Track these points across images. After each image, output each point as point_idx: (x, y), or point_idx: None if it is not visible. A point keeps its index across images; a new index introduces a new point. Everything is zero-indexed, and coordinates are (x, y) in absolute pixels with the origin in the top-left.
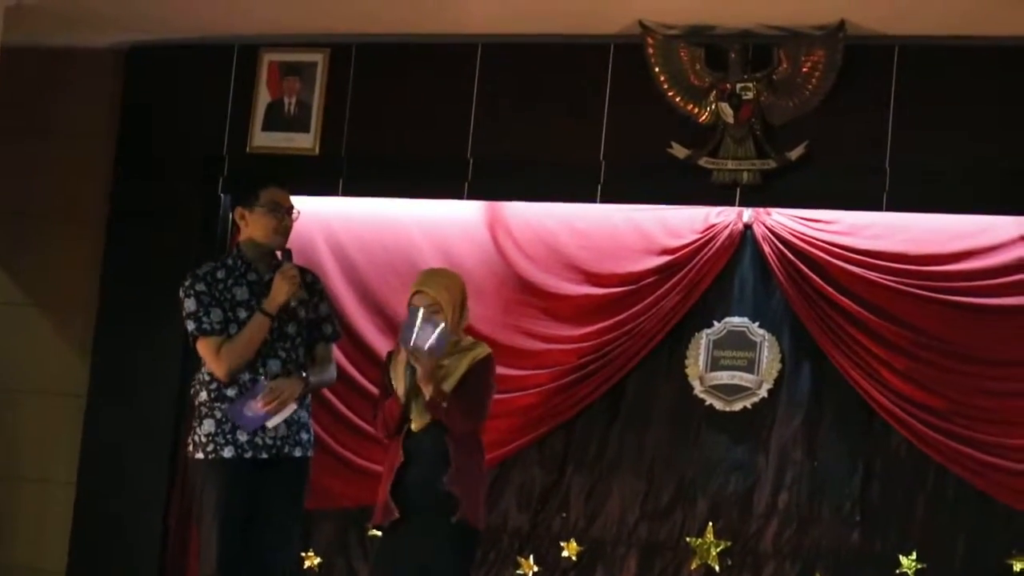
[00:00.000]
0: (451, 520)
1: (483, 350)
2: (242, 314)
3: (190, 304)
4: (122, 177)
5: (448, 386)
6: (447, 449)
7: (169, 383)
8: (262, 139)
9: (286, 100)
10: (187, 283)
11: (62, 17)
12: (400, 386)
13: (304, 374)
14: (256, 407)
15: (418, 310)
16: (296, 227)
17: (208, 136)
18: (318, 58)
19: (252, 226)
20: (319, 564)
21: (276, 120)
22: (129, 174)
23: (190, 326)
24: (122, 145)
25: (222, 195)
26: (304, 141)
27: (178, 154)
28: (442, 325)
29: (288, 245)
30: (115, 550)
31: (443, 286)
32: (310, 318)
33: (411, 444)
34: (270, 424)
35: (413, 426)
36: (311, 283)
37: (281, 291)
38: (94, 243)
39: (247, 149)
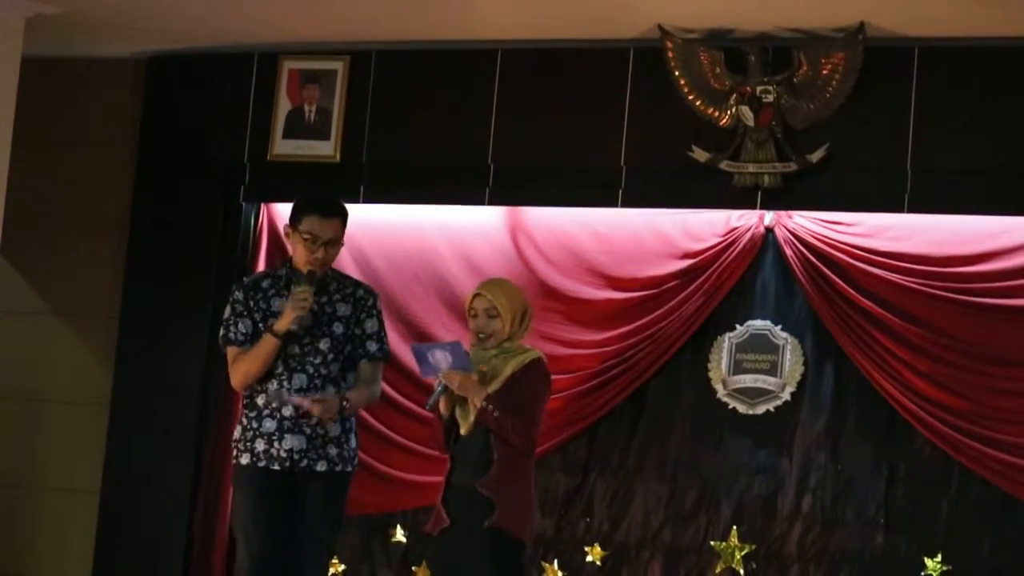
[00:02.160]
0: (484, 525)
1: (531, 354)
2: None
3: (226, 311)
4: (143, 186)
5: (492, 388)
6: (492, 453)
7: (192, 391)
8: (283, 147)
9: (306, 108)
10: (232, 289)
11: (82, 27)
12: (444, 407)
13: (345, 402)
14: (295, 399)
15: (420, 346)
16: None
17: (229, 144)
18: (338, 65)
19: (292, 247)
20: (343, 571)
21: (296, 128)
22: (150, 183)
23: (220, 332)
24: (143, 154)
25: (243, 203)
26: (324, 149)
27: (199, 162)
28: (455, 342)
29: None
30: (140, 559)
31: (502, 291)
32: (353, 334)
33: (458, 448)
34: (282, 403)
35: (462, 430)
36: (360, 298)
37: (287, 315)
38: (116, 252)
39: (268, 157)
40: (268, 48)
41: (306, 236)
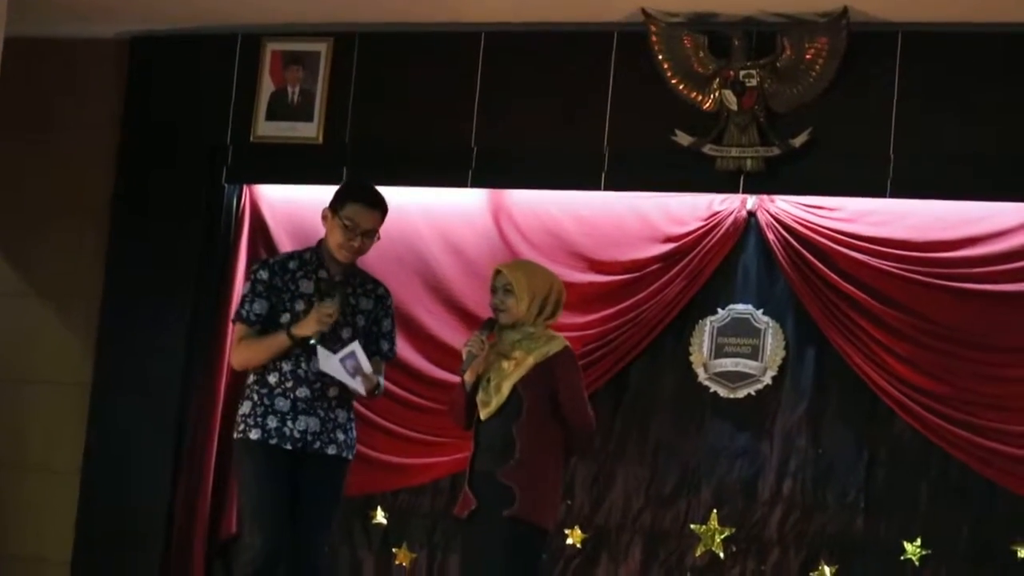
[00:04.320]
0: (504, 514)
1: (556, 344)
2: (299, 306)
3: (245, 287)
4: (126, 167)
5: (514, 378)
6: (514, 439)
7: (174, 371)
8: (266, 128)
9: (289, 89)
10: (254, 267)
11: (65, 8)
12: (469, 375)
13: (378, 388)
14: (348, 367)
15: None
16: (300, 217)
17: (212, 126)
18: (321, 47)
19: (328, 231)
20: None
21: (280, 109)
22: (133, 164)
23: (235, 308)
24: (125, 135)
25: (226, 184)
26: (308, 130)
27: (182, 144)
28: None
29: (291, 236)
30: (120, 538)
31: (523, 271)
32: (371, 330)
33: (480, 433)
34: (331, 369)
35: (481, 415)
36: (381, 296)
37: (309, 326)
38: (98, 233)
39: (251, 139)
40: (251, 29)
41: (347, 223)
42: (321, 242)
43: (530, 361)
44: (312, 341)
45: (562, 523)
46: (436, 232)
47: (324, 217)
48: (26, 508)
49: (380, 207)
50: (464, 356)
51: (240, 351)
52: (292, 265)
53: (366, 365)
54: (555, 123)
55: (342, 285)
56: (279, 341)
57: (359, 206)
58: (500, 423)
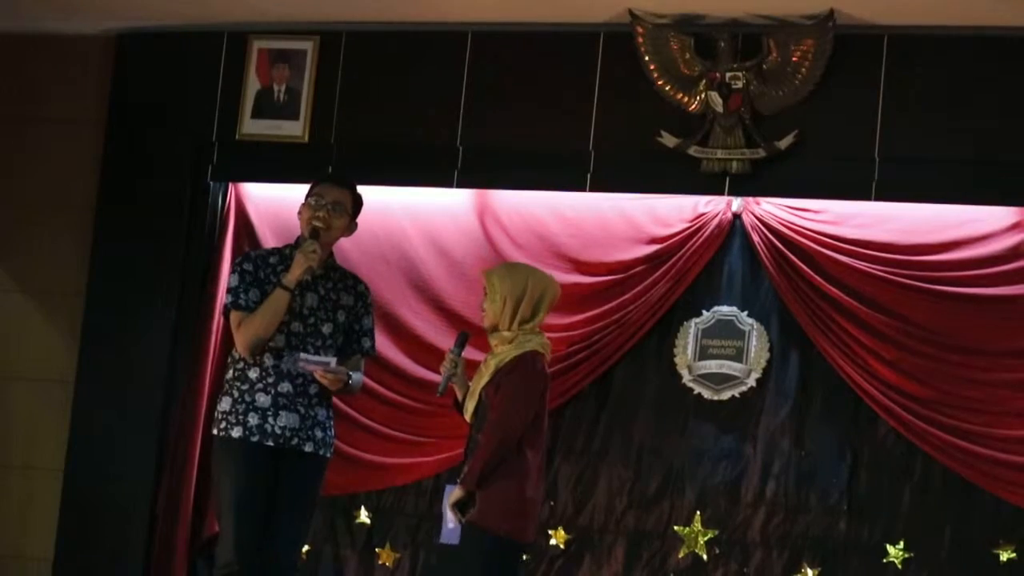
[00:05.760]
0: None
1: (520, 349)
2: None
3: (233, 279)
4: (111, 164)
5: (483, 383)
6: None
7: (157, 370)
8: (251, 127)
9: (275, 88)
10: (237, 261)
11: (51, 3)
12: (457, 391)
13: (349, 378)
14: (310, 366)
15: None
16: (285, 216)
17: (197, 123)
18: (308, 45)
19: (302, 220)
20: (307, 552)
21: (265, 108)
22: (118, 161)
23: (227, 299)
24: (111, 132)
25: (211, 182)
26: (293, 129)
27: (167, 141)
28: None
29: (275, 234)
30: (103, 536)
31: (498, 274)
32: (352, 327)
33: (469, 435)
34: (298, 366)
35: (467, 418)
36: (361, 293)
37: (299, 264)
38: (83, 230)
39: (236, 137)
40: (238, 27)
41: (313, 199)
42: (299, 238)
43: (492, 365)
44: (308, 277)
45: (545, 524)
46: (421, 232)
47: (299, 213)
48: (8, 505)
49: (346, 185)
50: (442, 375)
51: (244, 331)
52: (272, 260)
53: (323, 359)
54: (541, 124)
55: (315, 230)
56: (276, 298)
57: (326, 184)
58: (475, 427)
